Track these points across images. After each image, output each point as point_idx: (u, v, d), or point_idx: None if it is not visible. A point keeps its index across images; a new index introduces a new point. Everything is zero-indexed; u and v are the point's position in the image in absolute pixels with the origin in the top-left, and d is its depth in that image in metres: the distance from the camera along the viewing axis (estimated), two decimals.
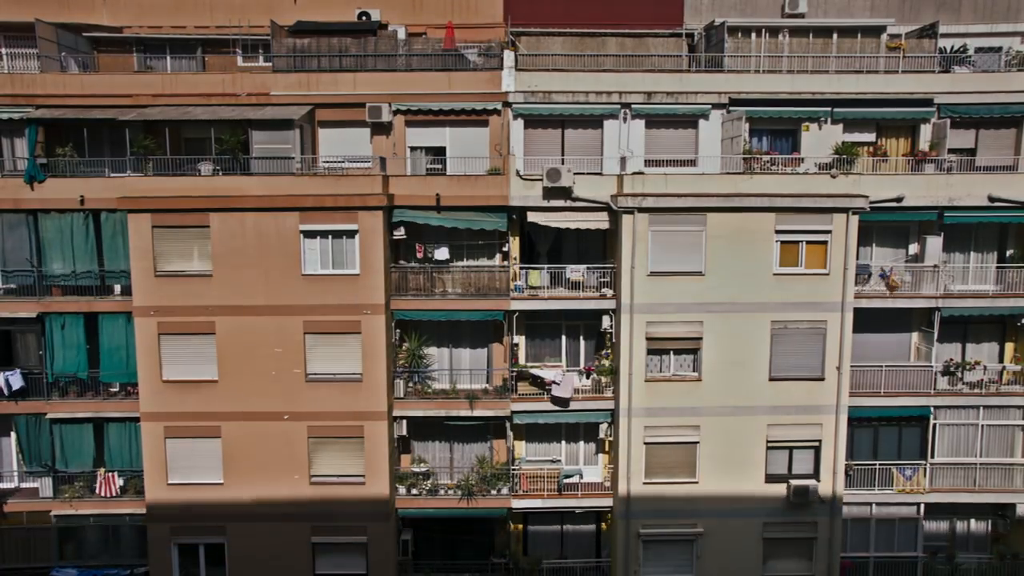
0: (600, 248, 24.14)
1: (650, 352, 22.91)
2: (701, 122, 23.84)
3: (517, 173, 23.06)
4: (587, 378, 23.72)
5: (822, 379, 22.91)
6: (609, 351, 23.68)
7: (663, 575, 23.49)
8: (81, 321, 23.13)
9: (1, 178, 23.34)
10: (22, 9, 24.46)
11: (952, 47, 24.83)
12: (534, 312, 23.50)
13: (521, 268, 23.61)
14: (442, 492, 23.79)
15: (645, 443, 23.07)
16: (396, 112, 23.45)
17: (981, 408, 23.94)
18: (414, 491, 23.62)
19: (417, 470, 23.91)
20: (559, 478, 23.55)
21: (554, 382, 23.10)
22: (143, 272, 22.16)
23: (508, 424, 23.69)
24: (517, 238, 23.76)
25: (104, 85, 23.36)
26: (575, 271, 23.43)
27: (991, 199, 23.26)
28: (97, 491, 23.46)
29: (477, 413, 23.42)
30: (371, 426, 22.74)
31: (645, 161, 23.86)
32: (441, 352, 24.41)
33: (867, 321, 23.41)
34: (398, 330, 23.57)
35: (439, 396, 23.69)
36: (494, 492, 23.56)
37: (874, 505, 24.09)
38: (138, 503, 23.17)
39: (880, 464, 23.92)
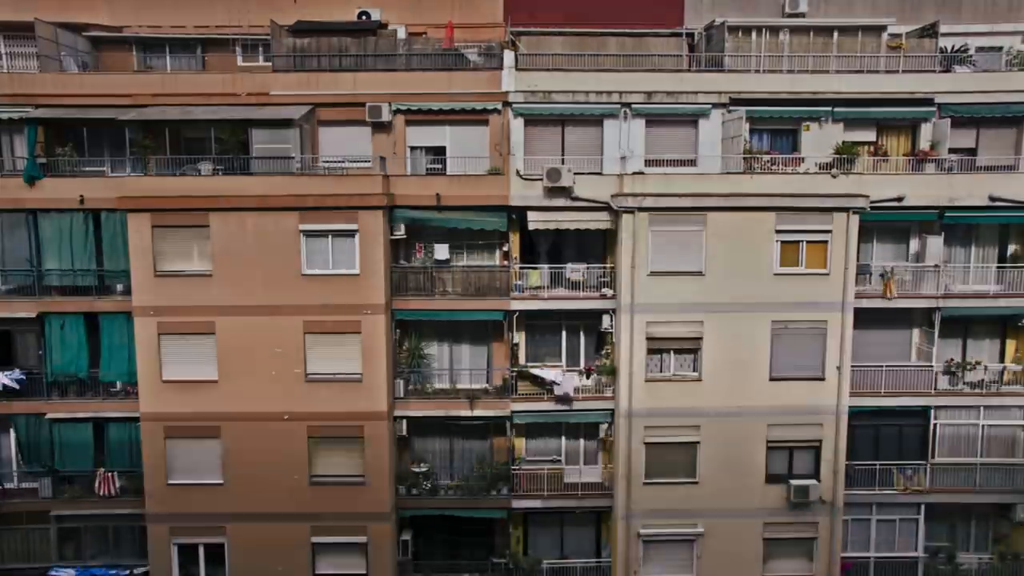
0: (600, 248, 24.09)
1: (650, 352, 22.89)
2: (701, 121, 23.80)
3: (517, 173, 23.04)
4: (587, 378, 23.68)
5: (822, 379, 22.88)
6: (609, 351, 23.65)
7: (663, 575, 23.49)
8: (81, 321, 23.10)
9: (1, 178, 23.31)
10: (22, 9, 24.40)
11: (953, 47, 24.78)
12: (534, 312, 23.47)
13: (521, 268, 23.58)
14: (442, 492, 23.77)
15: (645, 443, 23.05)
16: (396, 112, 23.41)
17: (982, 408, 23.92)
18: (414, 491, 23.61)
19: (417, 470, 23.87)
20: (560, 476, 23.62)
21: (554, 382, 23.10)
22: (143, 272, 22.13)
23: (508, 424, 23.67)
24: (517, 238, 23.73)
25: (104, 84, 23.32)
26: (575, 271, 23.40)
27: (992, 199, 23.23)
28: (97, 491, 23.42)
29: (477, 413, 23.40)
30: (371, 426, 22.72)
31: (645, 161, 23.79)
32: (441, 352, 24.38)
33: (867, 321, 23.37)
34: (398, 330, 23.54)
35: (439, 396, 23.67)
36: (494, 492, 23.54)
37: (875, 505, 24.10)
38: (138, 503, 23.12)
39: (881, 464, 23.89)
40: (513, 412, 23.43)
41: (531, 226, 22.98)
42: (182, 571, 23.25)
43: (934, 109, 23.68)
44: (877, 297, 23.32)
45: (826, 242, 22.48)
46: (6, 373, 23.09)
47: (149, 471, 22.76)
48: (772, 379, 22.84)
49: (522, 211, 23.21)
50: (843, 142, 23.67)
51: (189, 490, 22.79)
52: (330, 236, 22.14)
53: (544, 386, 23.34)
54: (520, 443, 24.20)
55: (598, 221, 23.01)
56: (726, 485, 23.10)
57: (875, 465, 23.88)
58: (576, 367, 23.94)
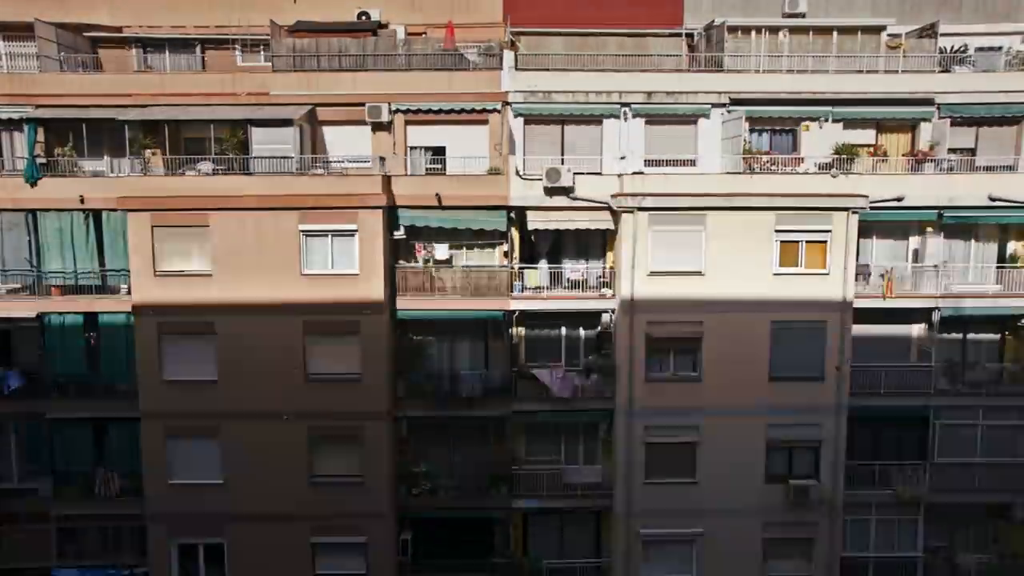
0: (600, 248, 24.11)
1: (650, 352, 22.89)
2: (701, 121, 23.84)
3: (517, 173, 23.05)
4: (587, 378, 23.67)
5: (822, 379, 22.89)
6: (609, 351, 23.65)
7: (663, 575, 23.49)
8: (81, 321, 23.09)
9: (1, 178, 23.31)
10: (22, 9, 24.40)
11: (952, 47, 24.81)
12: (534, 312, 23.46)
13: (521, 268, 23.58)
14: (442, 492, 23.75)
15: (645, 443, 23.06)
16: (396, 112, 23.43)
17: (981, 408, 23.93)
18: (414, 491, 23.59)
19: (417, 470, 23.85)
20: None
21: (554, 382, 23.07)
22: (143, 272, 22.13)
23: (508, 424, 23.65)
24: (517, 238, 23.74)
25: (103, 84, 23.34)
26: (575, 270, 23.43)
27: (991, 198, 23.25)
28: (96, 491, 23.40)
29: (477, 413, 23.39)
30: (371, 426, 22.72)
31: (645, 160, 23.83)
32: (441, 351, 24.35)
33: (867, 321, 23.36)
34: (398, 330, 23.52)
35: None
36: (494, 492, 23.53)
37: (874, 505, 24.09)
38: (138, 503, 23.09)
39: (880, 464, 23.89)
40: (513, 412, 23.42)
41: (531, 226, 22.98)
42: (182, 571, 23.24)
43: (934, 109, 23.71)
44: (876, 297, 23.33)
45: (825, 242, 22.49)
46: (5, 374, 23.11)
47: (149, 471, 22.75)
48: (772, 379, 22.84)
49: (522, 211, 23.22)
50: (843, 142, 23.69)
51: (189, 490, 22.77)
52: (330, 236, 22.13)
53: (544, 386, 23.33)
54: (520, 443, 24.19)
55: (598, 221, 23.02)
56: (726, 485, 23.09)
57: (875, 465, 23.88)
58: (576, 367, 23.94)
